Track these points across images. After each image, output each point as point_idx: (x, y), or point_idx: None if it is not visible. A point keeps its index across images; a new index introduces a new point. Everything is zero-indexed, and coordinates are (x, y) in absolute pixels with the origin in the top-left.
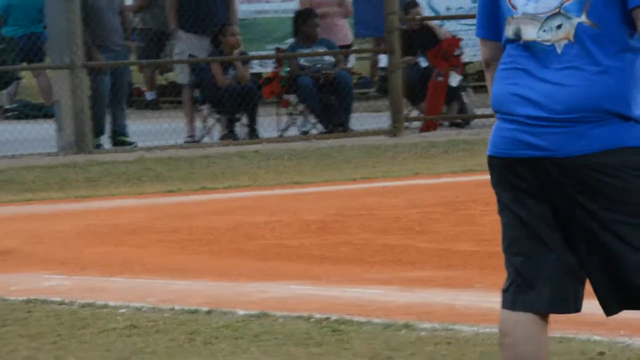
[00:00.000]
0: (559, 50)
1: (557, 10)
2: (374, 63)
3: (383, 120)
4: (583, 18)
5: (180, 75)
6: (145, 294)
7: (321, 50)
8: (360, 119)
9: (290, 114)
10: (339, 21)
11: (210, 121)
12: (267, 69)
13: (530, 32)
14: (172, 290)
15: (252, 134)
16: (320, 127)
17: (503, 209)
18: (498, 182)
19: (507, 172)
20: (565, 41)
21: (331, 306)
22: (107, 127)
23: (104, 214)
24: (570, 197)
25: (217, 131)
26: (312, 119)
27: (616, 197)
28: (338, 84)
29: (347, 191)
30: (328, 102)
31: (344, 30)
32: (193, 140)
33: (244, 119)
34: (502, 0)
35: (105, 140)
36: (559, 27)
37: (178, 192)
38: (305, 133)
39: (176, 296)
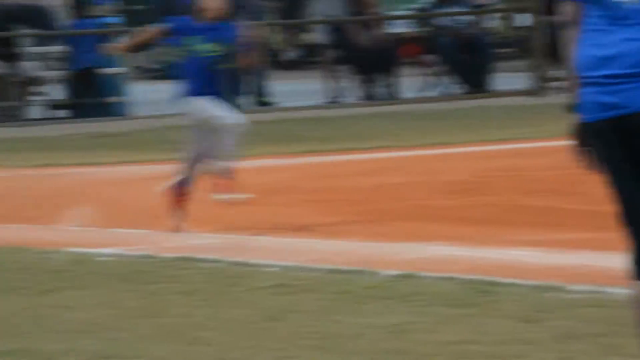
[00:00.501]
0: (635, 6)
1: None
2: (512, 22)
3: (525, 80)
4: None
5: (320, 35)
6: (294, 253)
7: (461, 10)
8: (501, 79)
9: (430, 74)
10: None
11: (351, 81)
12: (406, 29)
13: None
14: (320, 250)
15: (392, 94)
16: (460, 87)
17: (605, 179)
18: (594, 150)
19: (598, 138)
20: None
21: (478, 267)
22: (249, 88)
23: (245, 174)
24: None
25: (358, 91)
26: (452, 79)
27: None
28: (478, 44)
29: (488, 152)
30: (468, 62)
31: None
32: (333, 101)
33: (384, 79)
34: None
35: (247, 101)
36: None
37: (319, 153)
38: (445, 93)
39: (324, 256)
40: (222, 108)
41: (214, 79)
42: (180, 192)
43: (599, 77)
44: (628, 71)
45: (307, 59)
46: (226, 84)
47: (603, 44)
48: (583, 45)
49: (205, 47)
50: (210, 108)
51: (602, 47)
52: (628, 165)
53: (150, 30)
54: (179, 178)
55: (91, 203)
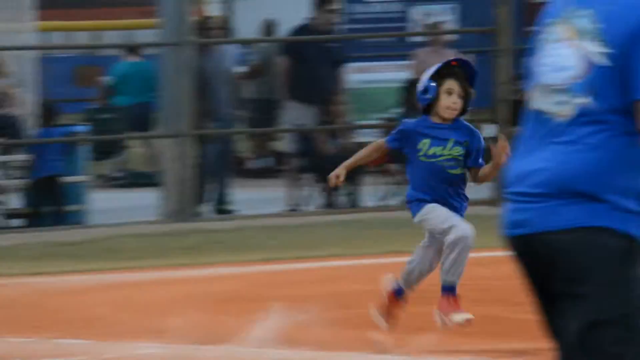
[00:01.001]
0: (562, 123)
1: (564, 86)
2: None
3: (487, 189)
4: (580, 98)
5: (287, 144)
6: None
7: None
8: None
9: (394, 183)
10: None
11: (313, 189)
12: (372, 138)
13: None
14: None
15: (354, 202)
16: None
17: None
18: (515, 264)
19: (513, 253)
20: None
21: None
22: (211, 196)
23: (201, 282)
24: (544, 275)
25: (319, 200)
26: None
27: (575, 276)
28: None
29: None
30: None
31: None
32: (294, 209)
33: (346, 188)
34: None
35: (208, 209)
36: (561, 102)
37: (277, 261)
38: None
39: None
40: (453, 218)
41: (443, 187)
42: (394, 299)
43: (512, 193)
44: (534, 190)
45: (274, 168)
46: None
47: (524, 160)
48: (511, 159)
49: (437, 151)
50: (442, 217)
51: (522, 164)
52: (534, 282)
53: (374, 146)
54: (395, 285)
55: (39, 313)
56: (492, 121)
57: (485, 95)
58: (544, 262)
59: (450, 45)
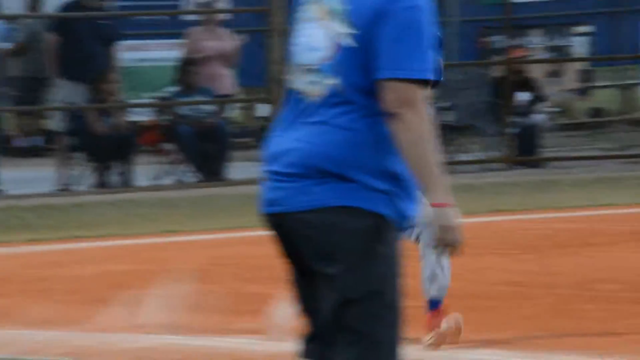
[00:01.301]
0: (315, 102)
1: (315, 66)
2: (251, 112)
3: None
4: (329, 79)
5: (56, 122)
6: (6, 344)
7: (203, 99)
8: (238, 168)
9: (167, 163)
10: (221, 70)
11: (84, 169)
12: (146, 116)
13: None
14: (35, 341)
15: (126, 182)
16: (196, 175)
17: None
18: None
19: (270, 231)
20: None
21: (196, 356)
22: None
23: None
24: (298, 253)
25: (91, 179)
26: (190, 168)
27: (325, 255)
28: (216, 133)
29: (217, 240)
30: (206, 151)
31: (226, 80)
32: (65, 188)
33: (119, 167)
34: None
35: None
36: (313, 82)
37: (46, 241)
38: (180, 182)
39: (38, 347)
40: None
41: None
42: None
43: (268, 171)
44: (286, 170)
45: (43, 146)
46: None
47: (280, 138)
48: (268, 137)
49: None
50: None
51: (277, 142)
52: (290, 260)
53: None
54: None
55: None
56: (267, 101)
57: (260, 75)
58: (296, 241)
59: (224, 24)
